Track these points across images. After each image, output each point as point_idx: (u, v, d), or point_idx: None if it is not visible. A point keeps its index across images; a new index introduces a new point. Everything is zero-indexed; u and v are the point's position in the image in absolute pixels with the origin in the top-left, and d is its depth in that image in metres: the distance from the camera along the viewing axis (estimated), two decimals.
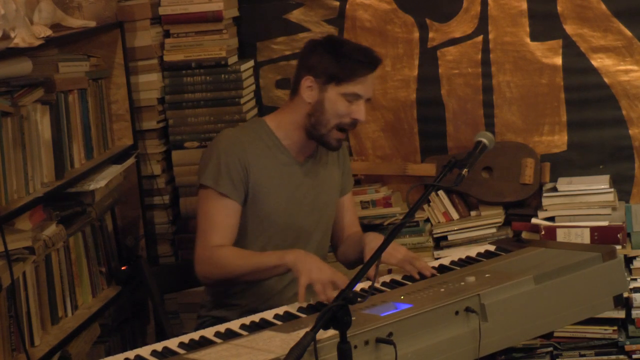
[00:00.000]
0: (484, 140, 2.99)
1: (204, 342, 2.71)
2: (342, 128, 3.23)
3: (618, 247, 3.95)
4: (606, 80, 4.24)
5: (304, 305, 2.95)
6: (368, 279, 2.95)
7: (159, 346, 2.72)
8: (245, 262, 3.13)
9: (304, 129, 3.26)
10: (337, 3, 4.38)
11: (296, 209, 3.30)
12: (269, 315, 2.89)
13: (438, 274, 3.12)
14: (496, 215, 4.24)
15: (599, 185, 4.11)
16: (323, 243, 3.41)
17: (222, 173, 3.20)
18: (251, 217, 3.26)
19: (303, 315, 2.87)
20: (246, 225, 3.27)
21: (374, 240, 3.20)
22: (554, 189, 4.16)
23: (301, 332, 2.38)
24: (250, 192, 3.24)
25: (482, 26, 4.30)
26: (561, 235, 4.05)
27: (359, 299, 2.73)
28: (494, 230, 4.23)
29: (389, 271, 3.43)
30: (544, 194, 4.15)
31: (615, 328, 4.09)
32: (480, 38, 4.30)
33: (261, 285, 3.25)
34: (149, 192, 4.24)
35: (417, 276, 3.10)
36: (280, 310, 2.92)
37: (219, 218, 3.20)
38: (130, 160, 3.99)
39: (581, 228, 4.04)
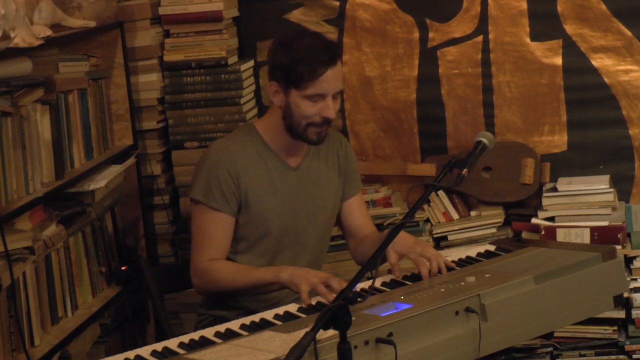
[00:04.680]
0: (484, 140, 2.99)
1: (204, 342, 2.71)
2: (316, 125, 3.21)
3: (618, 247, 3.95)
4: (606, 80, 4.24)
5: (304, 305, 2.95)
6: (368, 278, 2.95)
7: (159, 346, 2.72)
8: (240, 278, 3.16)
9: (285, 131, 3.25)
10: (337, 3, 4.37)
11: (291, 214, 3.29)
12: (269, 315, 2.89)
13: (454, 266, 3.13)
14: (496, 215, 4.24)
15: (599, 185, 4.11)
16: (320, 247, 3.40)
17: (213, 187, 3.21)
18: (246, 224, 3.26)
19: (303, 315, 2.87)
20: (242, 232, 3.27)
21: (398, 241, 3.15)
22: (554, 189, 4.16)
23: (301, 332, 2.38)
24: (243, 201, 3.24)
25: (482, 26, 4.30)
26: (561, 235, 4.05)
27: (359, 299, 2.73)
28: (494, 230, 4.23)
29: (389, 271, 3.43)
30: (544, 194, 4.15)
31: (615, 328, 4.09)
32: (480, 38, 4.30)
33: (259, 294, 3.26)
34: (149, 192, 4.24)
35: (427, 278, 3.08)
36: (280, 310, 2.92)
37: (212, 232, 3.23)
38: (130, 160, 3.99)
39: (581, 228, 4.04)
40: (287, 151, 3.31)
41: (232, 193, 3.23)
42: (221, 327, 2.82)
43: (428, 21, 4.33)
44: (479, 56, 4.32)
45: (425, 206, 4.29)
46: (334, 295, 2.89)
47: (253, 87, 4.41)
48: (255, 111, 4.39)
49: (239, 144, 3.28)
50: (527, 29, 4.27)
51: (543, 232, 4.08)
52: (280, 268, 3.12)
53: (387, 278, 3.14)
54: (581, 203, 4.10)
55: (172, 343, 2.74)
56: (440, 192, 4.28)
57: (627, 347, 4.08)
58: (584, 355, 4.12)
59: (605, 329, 4.08)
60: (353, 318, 2.39)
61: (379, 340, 2.55)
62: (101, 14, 4.03)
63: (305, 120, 3.19)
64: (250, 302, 3.27)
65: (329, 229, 3.44)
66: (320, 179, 3.37)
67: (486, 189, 4.28)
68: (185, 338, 2.76)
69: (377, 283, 3.07)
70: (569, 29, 4.24)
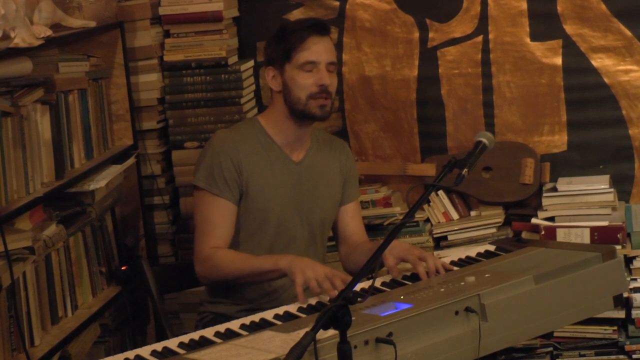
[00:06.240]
0: (484, 140, 2.99)
1: (204, 342, 2.71)
2: (316, 97, 3.24)
3: (618, 247, 3.95)
4: (606, 80, 4.24)
5: (304, 305, 2.95)
6: (368, 278, 2.95)
7: (159, 346, 2.72)
8: (241, 266, 3.17)
9: (289, 117, 3.29)
10: (337, 3, 4.38)
11: (290, 207, 3.31)
12: (269, 315, 2.89)
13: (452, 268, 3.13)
14: (496, 215, 4.24)
15: (599, 185, 4.11)
16: (319, 243, 3.41)
17: (215, 174, 3.24)
18: (245, 214, 3.28)
19: (303, 315, 2.87)
20: (241, 221, 3.29)
21: (395, 246, 3.18)
22: (554, 189, 4.16)
23: (301, 332, 2.38)
24: (244, 189, 3.26)
25: (482, 26, 4.30)
26: (561, 235, 4.05)
27: (359, 299, 2.73)
28: (494, 230, 4.23)
29: (389, 271, 3.43)
30: (544, 194, 4.15)
31: (615, 328, 4.09)
32: (480, 38, 4.30)
33: (261, 282, 3.26)
34: (149, 192, 4.24)
35: (425, 277, 3.09)
36: (280, 310, 2.92)
37: (215, 219, 3.24)
38: (130, 160, 3.99)
39: (581, 228, 4.04)
40: (291, 145, 3.33)
41: (234, 180, 3.24)
42: (221, 327, 2.82)
43: (428, 21, 4.34)
44: (479, 56, 4.32)
45: (425, 206, 4.29)
46: (325, 287, 2.91)
47: (253, 87, 4.41)
48: (255, 111, 4.39)
49: (242, 134, 3.32)
50: (527, 29, 4.27)
51: (543, 232, 4.07)
52: (279, 256, 3.13)
53: (387, 278, 3.14)
54: (581, 203, 4.10)
55: (172, 343, 2.74)
56: (440, 192, 4.28)
57: (627, 347, 4.08)
58: (584, 355, 4.12)
59: (605, 329, 4.08)
60: (353, 318, 2.38)
61: (379, 340, 2.55)
62: (101, 14, 4.03)
63: (304, 93, 3.23)
64: (250, 292, 3.28)
65: (329, 225, 3.44)
66: (322, 176, 3.38)
67: (486, 189, 4.28)
68: (185, 338, 2.76)
69: (377, 283, 3.07)
70: (569, 29, 4.24)
